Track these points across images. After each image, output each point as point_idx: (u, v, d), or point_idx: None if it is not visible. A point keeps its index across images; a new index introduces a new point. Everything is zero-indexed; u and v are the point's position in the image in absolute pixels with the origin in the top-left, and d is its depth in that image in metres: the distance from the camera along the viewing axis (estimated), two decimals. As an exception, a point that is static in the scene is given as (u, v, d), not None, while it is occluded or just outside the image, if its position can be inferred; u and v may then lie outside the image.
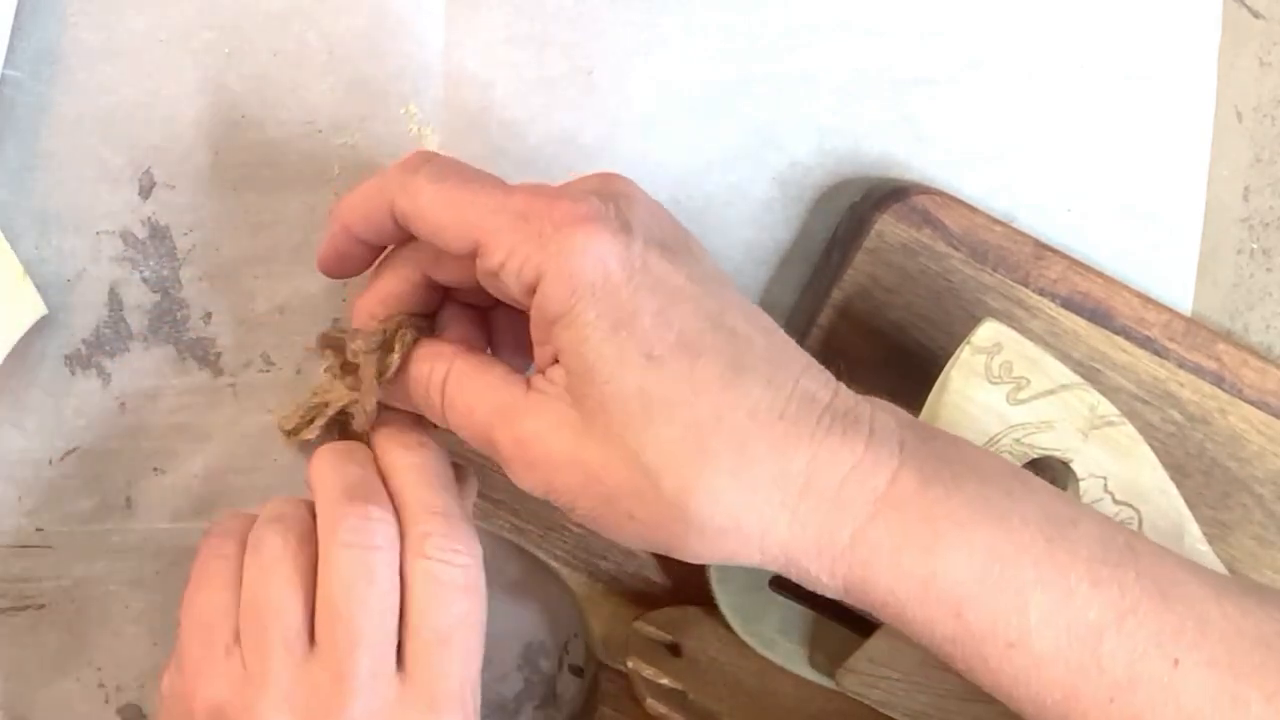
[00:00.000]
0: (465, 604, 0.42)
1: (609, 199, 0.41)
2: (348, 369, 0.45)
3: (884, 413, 0.41)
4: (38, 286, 0.49)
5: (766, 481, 0.39)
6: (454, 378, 0.43)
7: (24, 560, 0.51)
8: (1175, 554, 0.41)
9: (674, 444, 0.39)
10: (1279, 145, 0.56)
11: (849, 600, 0.40)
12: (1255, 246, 0.56)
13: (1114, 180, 0.55)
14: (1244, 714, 0.38)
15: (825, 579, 0.40)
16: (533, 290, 0.40)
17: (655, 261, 0.40)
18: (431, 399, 0.43)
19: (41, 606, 0.52)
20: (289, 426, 0.47)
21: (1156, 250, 0.56)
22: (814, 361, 0.42)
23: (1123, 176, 0.55)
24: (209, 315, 0.51)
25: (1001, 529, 0.39)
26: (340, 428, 0.47)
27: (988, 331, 0.47)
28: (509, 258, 0.40)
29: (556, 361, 0.41)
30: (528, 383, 0.41)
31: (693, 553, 0.40)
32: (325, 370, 0.47)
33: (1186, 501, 0.49)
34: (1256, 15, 0.55)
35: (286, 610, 0.41)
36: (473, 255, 0.41)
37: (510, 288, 0.41)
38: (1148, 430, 0.52)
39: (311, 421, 0.46)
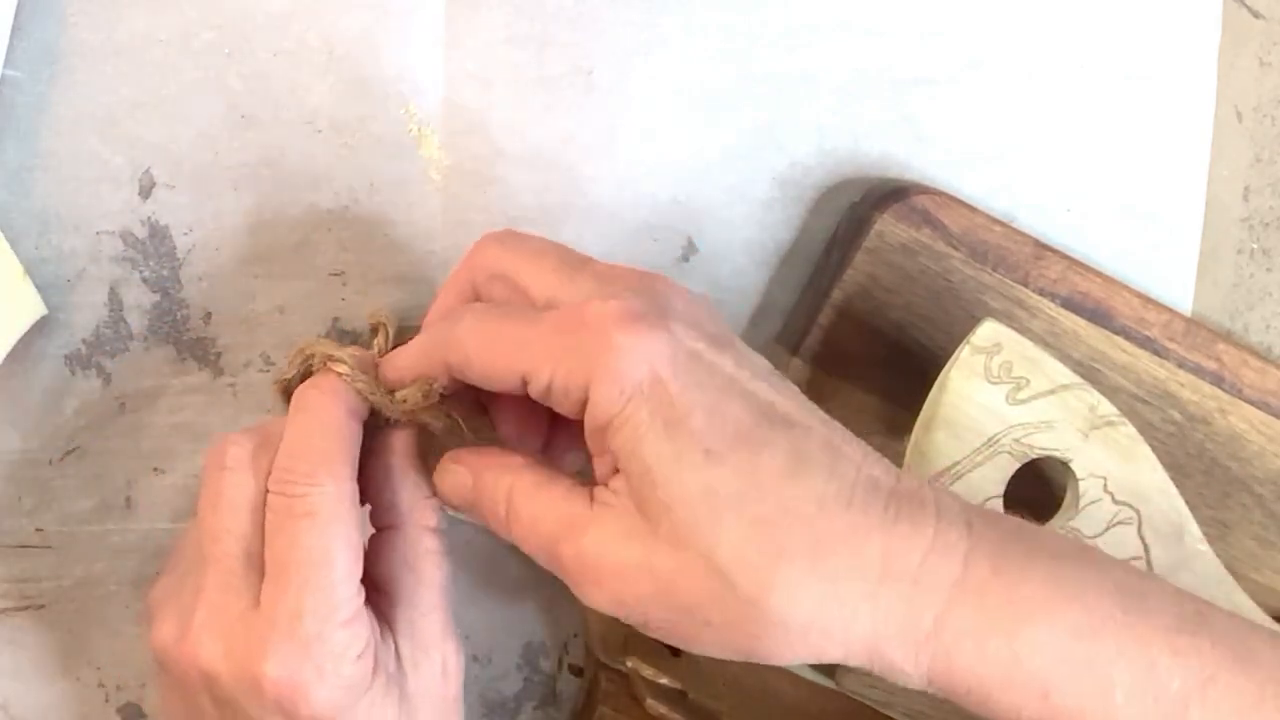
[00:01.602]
0: (305, 534, 0.41)
1: (645, 294, 0.40)
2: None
3: (947, 495, 0.40)
4: (38, 286, 0.49)
5: (844, 573, 0.38)
6: (519, 491, 0.42)
7: (24, 560, 0.51)
8: (1242, 618, 0.40)
9: (745, 542, 0.38)
10: (1279, 145, 0.56)
11: (931, 689, 0.39)
12: (1255, 246, 0.56)
13: (1114, 180, 0.55)
14: None
15: (909, 668, 0.39)
16: (583, 404, 0.40)
17: (703, 354, 0.39)
18: (497, 511, 0.43)
19: (41, 606, 0.52)
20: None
21: (1156, 250, 0.56)
22: (870, 448, 0.41)
23: (1123, 176, 0.55)
24: (209, 315, 0.51)
25: (1079, 606, 0.38)
26: None
27: (987, 331, 0.47)
28: (554, 377, 0.40)
29: (617, 471, 0.40)
30: (591, 495, 0.41)
31: (775, 654, 0.39)
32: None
33: (1186, 501, 0.49)
34: (1256, 15, 0.55)
35: (196, 529, 0.43)
36: (525, 385, 0.41)
37: (563, 406, 0.40)
38: (1148, 430, 0.52)
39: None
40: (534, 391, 0.41)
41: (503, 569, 0.55)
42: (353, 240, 0.52)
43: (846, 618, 0.38)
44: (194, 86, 0.50)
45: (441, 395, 0.44)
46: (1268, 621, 0.51)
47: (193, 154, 0.50)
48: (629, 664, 0.52)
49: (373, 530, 0.45)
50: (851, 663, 0.39)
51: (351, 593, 0.41)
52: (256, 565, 0.42)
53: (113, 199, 0.50)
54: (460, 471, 0.44)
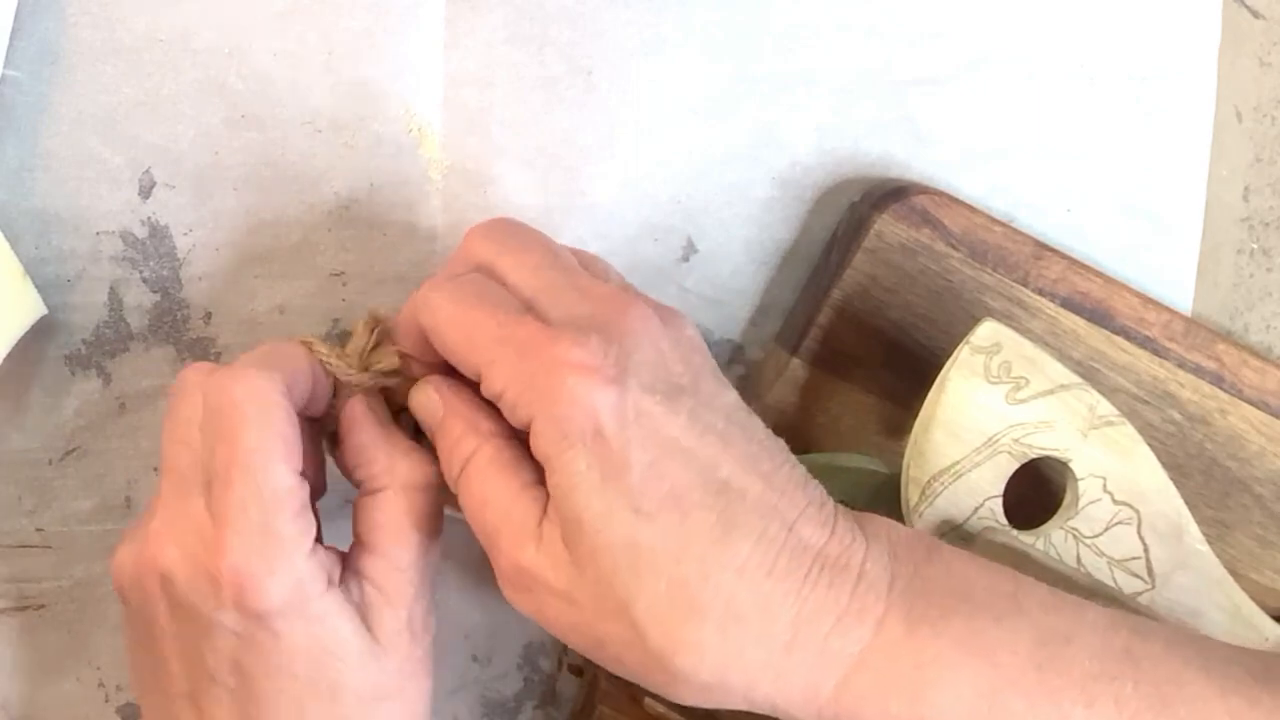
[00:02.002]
0: (239, 428, 0.41)
1: (613, 339, 0.40)
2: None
3: (878, 545, 0.41)
4: (38, 286, 0.49)
5: (751, 641, 0.39)
6: (476, 465, 0.42)
7: (24, 560, 0.51)
8: (1183, 643, 0.40)
9: (661, 600, 0.39)
10: (1279, 145, 0.56)
11: None
12: (1255, 246, 0.56)
13: (1114, 180, 0.55)
14: None
15: None
16: (528, 427, 0.41)
17: (650, 411, 0.40)
18: (450, 469, 0.43)
19: (41, 606, 0.52)
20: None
21: (1157, 250, 0.56)
22: (815, 497, 0.41)
23: (1123, 176, 0.55)
24: (209, 315, 0.51)
25: (989, 664, 0.39)
26: None
27: (987, 331, 0.47)
28: (504, 392, 0.41)
29: None
30: (544, 508, 0.41)
31: (679, 698, 0.41)
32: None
33: (1186, 501, 0.49)
34: (1256, 15, 0.55)
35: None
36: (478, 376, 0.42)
37: (510, 418, 0.41)
38: (1147, 430, 0.52)
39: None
40: (485, 392, 0.42)
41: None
42: (353, 240, 0.52)
43: (750, 681, 0.40)
44: (194, 86, 0.50)
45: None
46: (1266, 622, 0.51)
47: (193, 154, 0.50)
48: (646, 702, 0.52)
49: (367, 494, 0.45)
50: (757, 711, 0.41)
51: (293, 483, 0.41)
52: (208, 474, 0.42)
53: (113, 199, 0.50)
54: (434, 400, 0.44)
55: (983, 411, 0.47)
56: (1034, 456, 0.48)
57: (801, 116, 0.53)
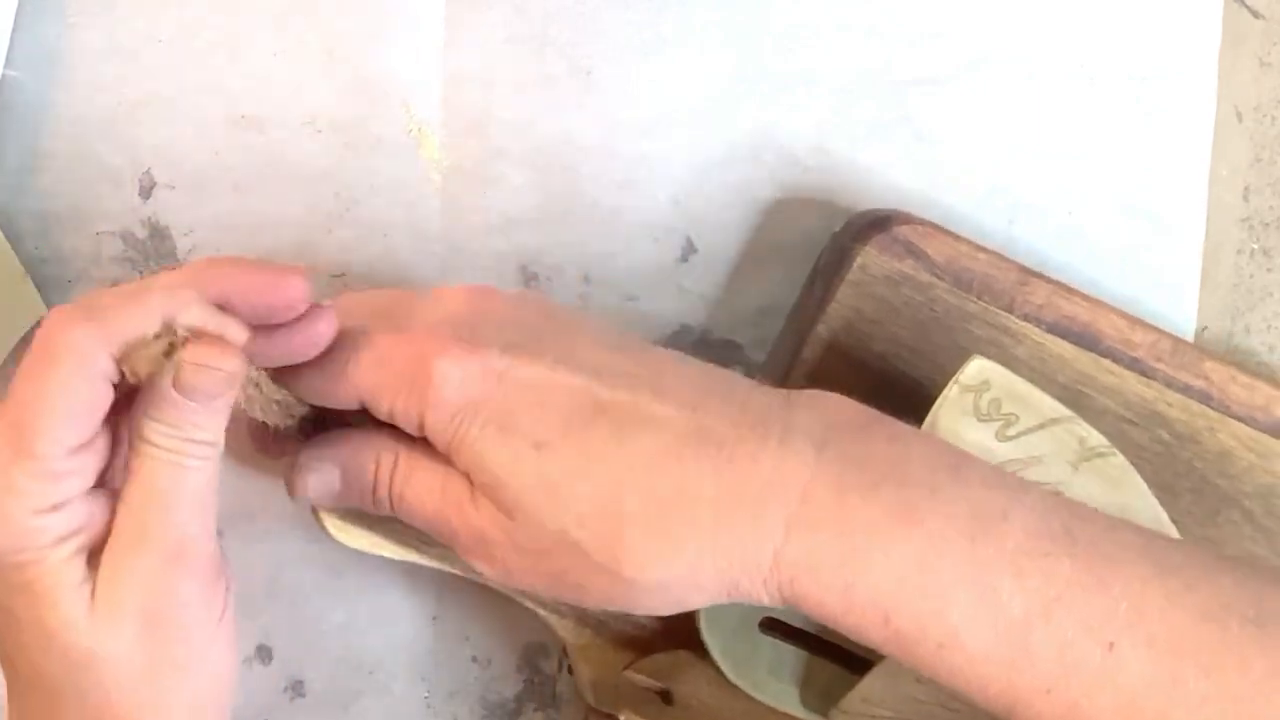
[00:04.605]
0: (33, 365, 0.39)
1: (459, 324, 0.42)
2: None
3: (808, 413, 0.41)
4: (38, 287, 0.49)
5: (680, 528, 0.40)
6: (401, 474, 0.44)
7: (24, 560, 0.51)
8: (1125, 528, 0.40)
9: (588, 519, 0.40)
10: (1279, 145, 0.56)
11: (796, 609, 0.41)
12: (1255, 247, 0.56)
13: (1114, 180, 0.55)
14: (1183, 691, 0.38)
15: (765, 599, 0.41)
16: (423, 430, 0.42)
17: (516, 363, 0.41)
18: (380, 494, 0.44)
19: (41, 607, 0.52)
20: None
21: (1157, 250, 0.55)
22: (717, 387, 0.42)
23: (1123, 177, 0.55)
24: (209, 315, 0.51)
25: (918, 534, 0.39)
26: None
27: (975, 369, 0.47)
28: (392, 408, 0.42)
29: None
30: (470, 486, 0.42)
31: (648, 608, 0.42)
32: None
33: (1176, 520, 0.48)
34: (1256, 15, 0.55)
35: None
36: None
37: (407, 429, 0.42)
38: (1136, 451, 0.52)
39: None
40: (375, 413, 0.43)
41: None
42: (353, 241, 0.52)
43: (693, 568, 0.40)
44: (194, 86, 0.50)
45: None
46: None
47: (193, 154, 0.50)
48: (621, 716, 0.51)
49: None
50: (720, 600, 0.41)
51: (56, 443, 0.39)
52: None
53: (113, 199, 0.50)
54: (327, 471, 0.45)
55: (973, 449, 0.47)
56: None
57: (801, 116, 0.53)
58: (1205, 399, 0.52)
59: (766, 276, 0.54)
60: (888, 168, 0.54)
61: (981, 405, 0.47)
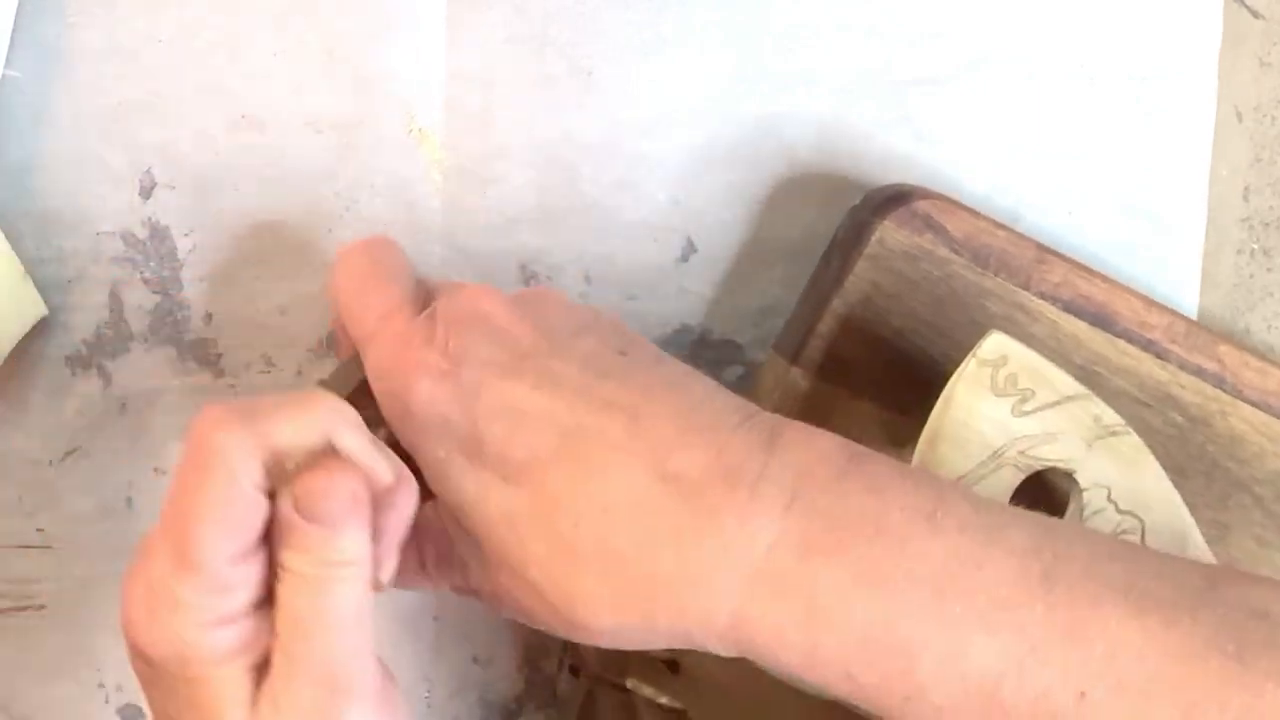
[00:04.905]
0: (202, 472, 0.37)
1: (439, 334, 0.42)
2: None
3: (784, 460, 0.40)
4: (38, 287, 0.49)
5: (637, 579, 0.39)
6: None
7: (24, 560, 0.51)
8: (1110, 560, 0.39)
9: (545, 558, 0.40)
10: (1279, 145, 0.56)
11: (755, 661, 0.40)
12: (1255, 246, 0.56)
13: (1115, 180, 0.55)
14: None
15: (721, 651, 0.40)
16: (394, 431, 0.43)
17: (490, 383, 0.41)
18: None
19: (41, 607, 0.52)
20: None
21: (1158, 250, 0.55)
22: (700, 422, 0.40)
23: (1123, 177, 0.55)
24: (209, 316, 0.51)
25: (885, 594, 0.38)
26: None
27: (994, 344, 0.47)
28: (375, 381, 0.43)
29: None
30: (436, 507, 0.43)
31: (603, 644, 0.41)
32: None
33: (1187, 503, 0.49)
34: (1256, 15, 0.55)
35: None
36: None
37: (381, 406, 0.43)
38: (1149, 433, 0.52)
39: None
40: (367, 368, 0.44)
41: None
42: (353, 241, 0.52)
43: (646, 620, 0.39)
44: (194, 86, 0.50)
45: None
46: None
47: (193, 154, 0.50)
48: (629, 683, 0.51)
49: None
50: (674, 647, 0.40)
51: (215, 554, 0.37)
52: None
53: (113, 199, 0.50)
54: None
55: (989, 424, 0.47)
56: (1039, 468, 0.47)
57: (801, 116, 0.53)
58: (1219, 382, 0.52)
59: (766, 276, 0.54)
60: (888, 168, 0.54)
61: (999, 380, 0.47)
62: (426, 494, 0.42)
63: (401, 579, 0.43)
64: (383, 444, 0.40)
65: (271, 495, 0.38)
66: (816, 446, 0.40)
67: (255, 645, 0.38)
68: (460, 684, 0.55)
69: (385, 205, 0.52)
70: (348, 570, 0.38)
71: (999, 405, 0.47)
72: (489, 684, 0.55)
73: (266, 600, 0.38)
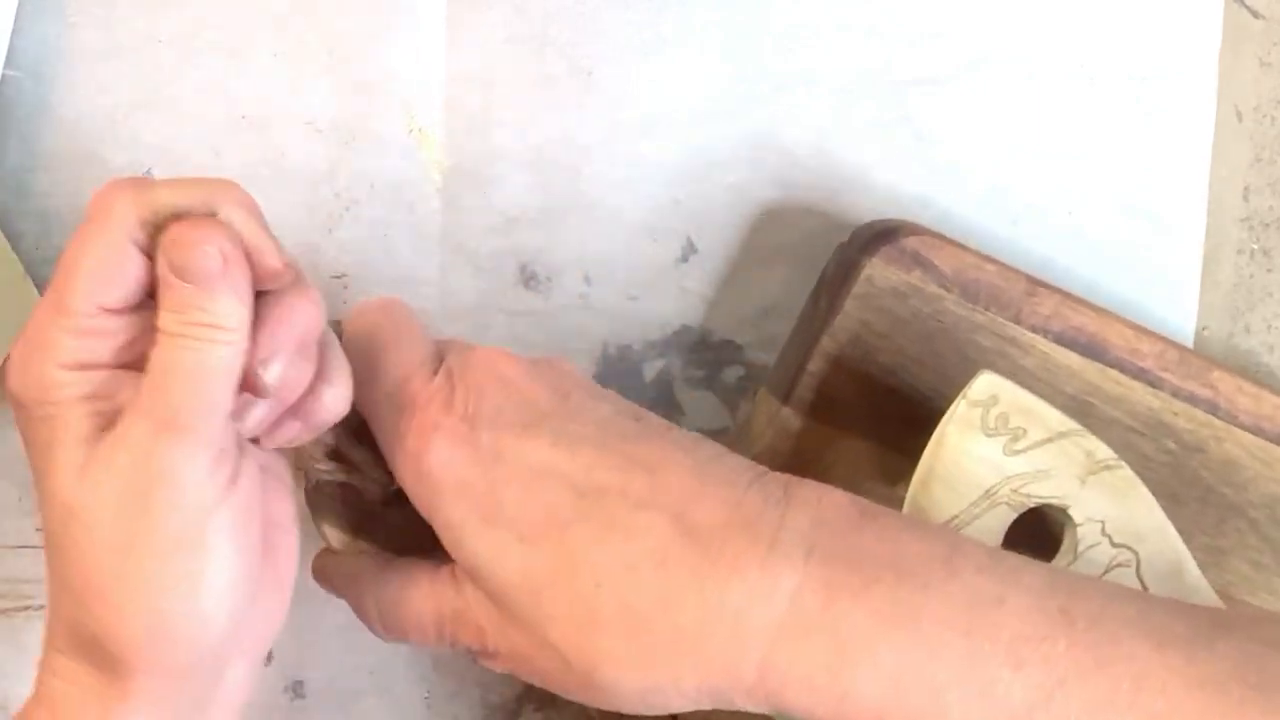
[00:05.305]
0: (81, 231, 0.39)
1: (470, 388, 0.42)
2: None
3: (801, 512, 0.40)
4: (38, 286, 0.49)
5: (661, 637, 0.39)
6: (384, 606, 0.44)
7: (24, 560, 0.51)
8: (1122, 600, 0.40)
9: (565, 620, 0.40)
10: (1279, 145, 0.56)
11: (785, 716, 0.40)
12: (1255, 247, 0.56)
13: (1115, 180, 0.55)
14: None
15: (751, 706, 0.40)
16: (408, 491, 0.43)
17: (508, 445, 0.41)
18: (374, 627, 0.45)
19: (41, 607, 0.52)
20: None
21: (1158, 251, 0.55)
22: (719, 475, 0.41)
23: (1123, 177, 0.55)
24: (209, 316, 0.51)
25: (911, 634, 0.38)
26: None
27: (984, 384, 0.47)
28: (390, 455, 0.43)
29: None
30: (453, 572, 0.43)
31: (630, 710, 0.41)
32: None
33: (1182, 530, 0.48)
34: (1256, 15, 0.55)
35: None
36: None
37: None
38: (1143, 461, 0.51)
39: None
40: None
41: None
42: (353, 242, 0.52)
43: (673, 678, 0.39)
44: (194, 86, 0.50)
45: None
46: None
47: (193, 154, 0.50)
48: None
49: None
50: (704, 707, 0.40)
51: (84, 298, 0.38)
52: None
53: (113, 199, 0.50)
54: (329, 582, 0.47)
55: (981, 464, 0.46)
56: (1033, 505, 0.47)
57: (801, 116, 0.53)
58: (1212, 408, 0.52)
59: (767, 277, 0.54)
60: (888, 168, 0.54)
61: (990, 420, 0.47)
62: (445, 558, 0.43)
63: (416, 639, 0.44)
64: (274, 237, 0.40)
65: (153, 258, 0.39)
66: (829, 500, 0.41)
67: (110, 397, 0.39)
68: (460, 684, 0.55)
69: (385, 205, 0.52)
70: (218, 334, 0.38)
71: (991, 445, 0.47)
72: (489, 684, 0.55)
73: (138, 367, 0.39)
